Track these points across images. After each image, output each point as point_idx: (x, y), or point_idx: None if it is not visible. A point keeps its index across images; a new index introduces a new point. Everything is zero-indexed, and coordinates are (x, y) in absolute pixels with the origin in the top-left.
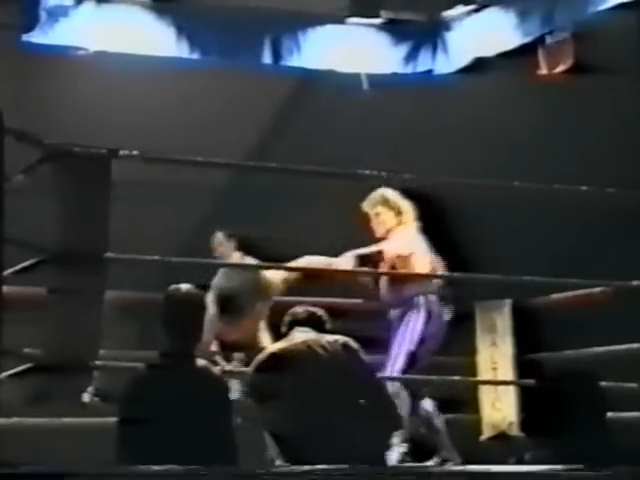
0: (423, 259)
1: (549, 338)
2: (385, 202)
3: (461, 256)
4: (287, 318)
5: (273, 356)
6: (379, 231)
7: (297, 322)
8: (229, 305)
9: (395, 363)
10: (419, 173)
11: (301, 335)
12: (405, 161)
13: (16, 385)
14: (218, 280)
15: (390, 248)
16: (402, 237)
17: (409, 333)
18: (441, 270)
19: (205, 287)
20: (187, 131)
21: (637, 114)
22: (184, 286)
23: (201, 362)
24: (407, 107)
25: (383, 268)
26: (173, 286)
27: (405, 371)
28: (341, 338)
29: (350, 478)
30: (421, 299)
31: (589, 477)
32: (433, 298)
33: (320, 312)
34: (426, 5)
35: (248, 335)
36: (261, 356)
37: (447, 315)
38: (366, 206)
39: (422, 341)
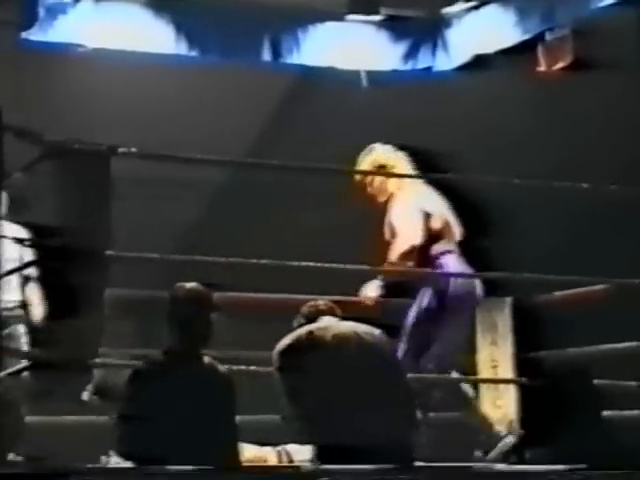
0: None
1: (550, 336)
2: (379, 166)
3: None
4: (308, 309)
5: (315, 336)
6: (380, 198)
7: (321, 312)
8: None
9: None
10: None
11: (335, 322)
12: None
13: (16, 383)
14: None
15: (401, 247)
16: (404, 216)
17: (450, 334)
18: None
19: (211, 285)
20: (186, 128)
21: (637, 111)
22: (190, 284)
23: (207, 359)
24: (407, 104)
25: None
26: (179, 284)
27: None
28: (376, 329)
29: (356, 478)
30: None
31: (587, 476)
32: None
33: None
34: (426, 2)
35: None
36: (302, 334)
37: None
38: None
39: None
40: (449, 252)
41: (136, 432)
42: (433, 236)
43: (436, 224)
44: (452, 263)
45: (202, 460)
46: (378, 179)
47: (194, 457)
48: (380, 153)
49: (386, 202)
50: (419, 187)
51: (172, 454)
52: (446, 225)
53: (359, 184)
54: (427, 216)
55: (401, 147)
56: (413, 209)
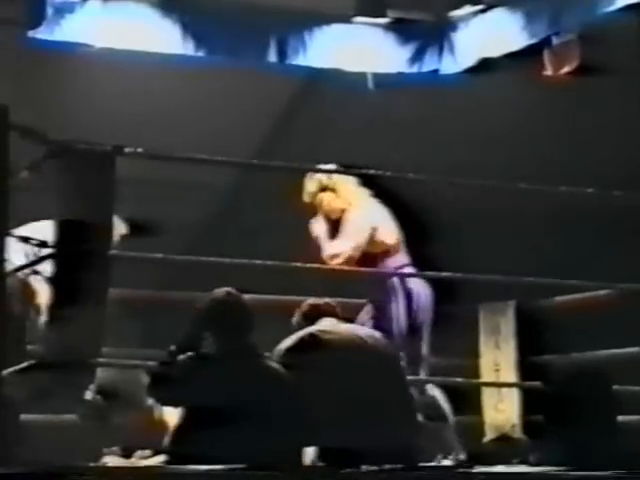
0: (387, 234)
1: (553, 341)
2: (323, 187)
3: (461, 258)
4: (309, 309)
5: (318, 339)
6: (332, 216)
7: (322, 313)
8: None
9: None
10: (423, 173)
11: (336, 324)
12: (410, 160)
13: (19, 382)
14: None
15: (346, 249)
16: (352, 228)
17: (394, 325)
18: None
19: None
20: (192, 129)
21: None
22: (229, 290)
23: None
24: (412, 106)
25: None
26: (222, 289)
27: None
28: (377, 332)
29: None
30: (395, 280)
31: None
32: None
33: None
34: (433, 5)
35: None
36: (305, 336)
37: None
38: (306, 197)
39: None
40: (407, 265)
41: (192, 432)
42: (387, 250)
43: (389, 238)
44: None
45: (263, 459)
46: (326, 199)
47: (253, 457)
48: (323, 175)
49: (338, 220)
50: (369, 203)
51: (231, 454)
52: (397, 240)
53: (310, 206)
54: (377, 230)
55: (349, 166)
56: (363, 222)
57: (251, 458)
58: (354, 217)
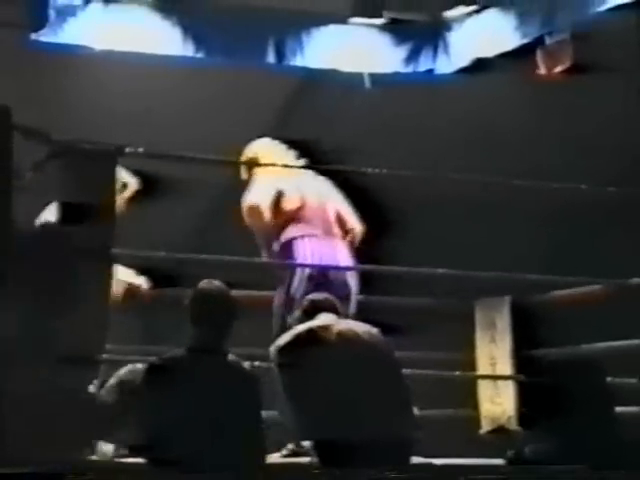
0: (290, 200)
1: (548, 335)
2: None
3: (459, 253)
4: (308, 304)
5: (315, 335)
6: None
7: (321, 308)
8: None
9: None
10: (418, 171)
11: (334, 319)
12: (405, 159)
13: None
14: None
15: (245, 205)
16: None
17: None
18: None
19: (230, 284)
20: (192, 129)
21: (635, 114)
22: (215, 282)
23: (232, 356)
24: (408, 106)
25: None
26: (204, 281)
27: None
28: (374, 328)
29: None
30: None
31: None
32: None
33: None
34: (428, 6)
35: None
36: (302, 332)
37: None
38: (242, 174)
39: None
40: (303, 237)
41: (158, 430)
42: (288, 217)
43: (290, 205)
44: (302, 250)
45: (227, 458)
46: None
47: (219, 455)
48: (253, 145)
49: None
50: (289, 173)
51: (196, 452)
52: (309, 209)
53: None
54: (282, 194)
55: (292, 142)
56: (266, 186)
57: (218, 460)
58: (261, 179)
